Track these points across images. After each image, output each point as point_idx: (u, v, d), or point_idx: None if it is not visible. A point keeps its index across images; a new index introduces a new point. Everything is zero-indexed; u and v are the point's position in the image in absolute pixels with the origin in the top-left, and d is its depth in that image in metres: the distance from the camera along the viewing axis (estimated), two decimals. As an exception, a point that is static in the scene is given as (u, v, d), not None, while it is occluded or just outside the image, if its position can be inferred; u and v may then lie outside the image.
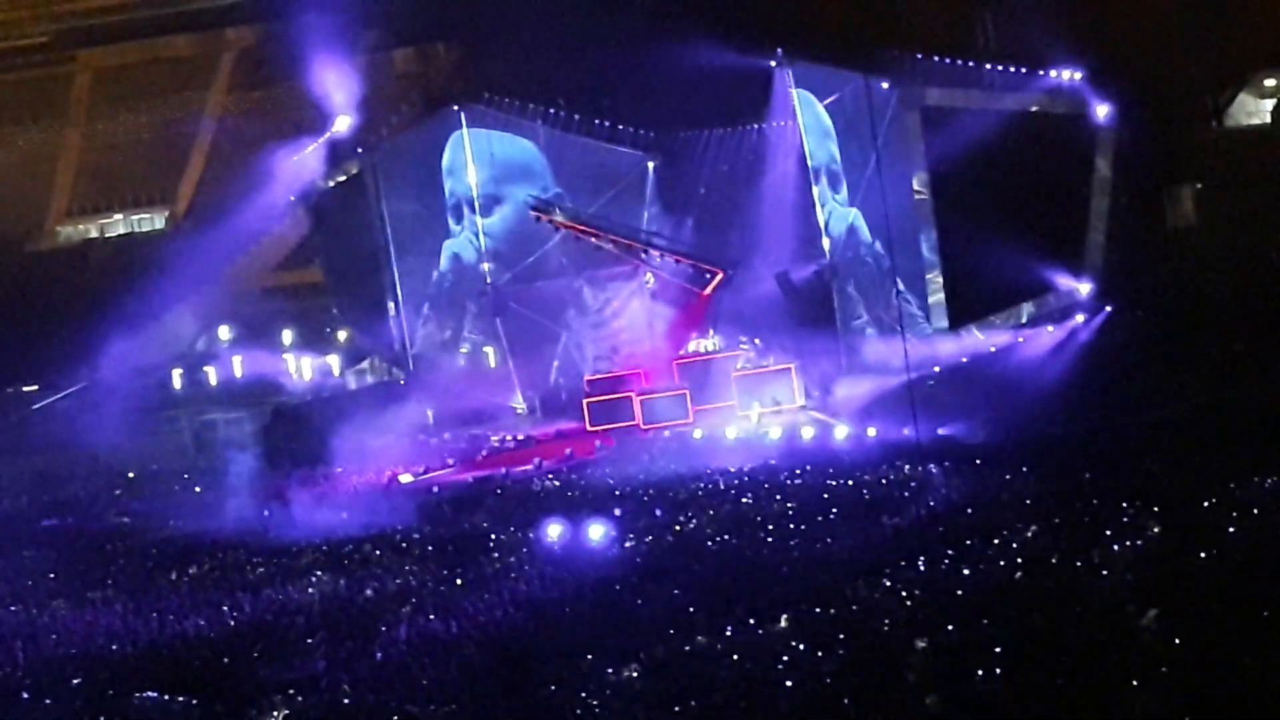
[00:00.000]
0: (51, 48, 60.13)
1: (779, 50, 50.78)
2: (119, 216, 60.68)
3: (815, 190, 51.21)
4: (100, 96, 60.55)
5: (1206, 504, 28.24)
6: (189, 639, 27.89)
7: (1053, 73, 47.83)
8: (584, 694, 21.70)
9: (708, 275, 51.13)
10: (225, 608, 29.80)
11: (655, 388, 50.51)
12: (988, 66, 48.03)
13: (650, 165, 53.29)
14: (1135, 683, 19.60)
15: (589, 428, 49.48)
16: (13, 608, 31.41)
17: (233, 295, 56.03)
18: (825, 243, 51.33)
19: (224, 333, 56.58)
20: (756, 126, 52.73)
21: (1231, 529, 26.36)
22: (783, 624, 23.84)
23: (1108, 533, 27.07)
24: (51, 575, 34.94)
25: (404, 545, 34.15)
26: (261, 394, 54.44)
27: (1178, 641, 20.71)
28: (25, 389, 54.30)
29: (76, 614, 30.56)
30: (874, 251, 50.40)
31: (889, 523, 30.73)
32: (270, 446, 48.99)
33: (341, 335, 56.85)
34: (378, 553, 33.50)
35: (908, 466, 36.44)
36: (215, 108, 60.04)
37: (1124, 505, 28.74)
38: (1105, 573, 24.76)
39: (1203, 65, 48.20)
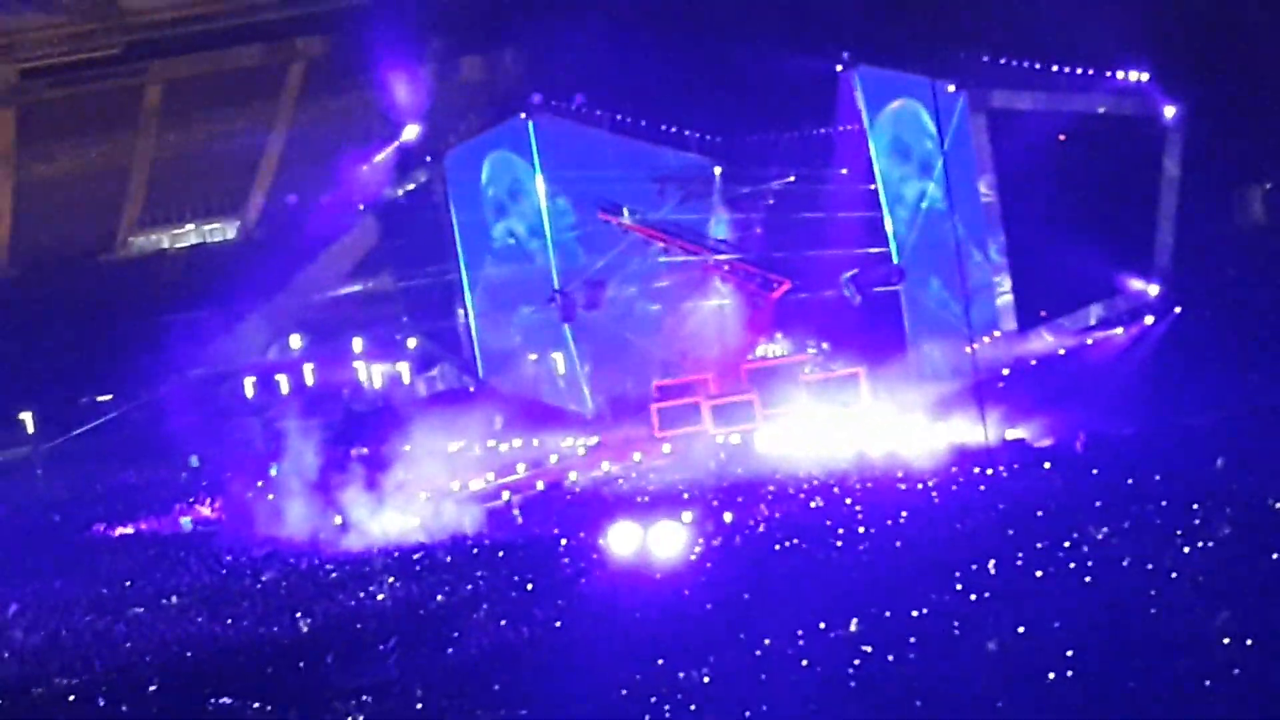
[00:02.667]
0: (123, 60, 60.38)
1: (845, 54, 50.71)
2: (190, 226, 60.98)
3: (882, 192, 51.10)
4: (171, 107, 60.76)
5: (1277, 504, 28.13)
6: (263, 645, 28.17)
7: (1119, 73, 47.58)
8: (653, 698, 21.81)
9: (774, 283, 51.09)
10: (298, 614, 30.08)
11: (723, 392, 50.50)
12: (1054, 68, 47.83)
13: (717, 170, 53.24)
14: (1207, 684, 19.59)
15: (657, 433, 49.52)
16: (89, 616, 31.76)
17: (304, 304, 56.39)
18: (893, 246, 51.20)
19: (295, 341, 56.92)
20: (824, 130, 52.62)
21: (1303, 529, 26.31)
22: (852, 627, 23.90)
23: (1178, 534, 27.01)
24: (127, 583, 35.33)
25: (475, 551, 34.35)
26: (333, 401, 54.81)
27: (1250, 643, 20.67)
28: (99, 398, 54.77)
29: (152, 621, 30.89)
30: (942, 254, 50.22)
31: (959, 525, 30.73)
32: (342, 453, 49.26)
33: (411, 343, 57.11)
34: (449, 559, 33.71)
35: (977, 469, 36.41)
36: (285, 118, 60.25)
37: (1194, 506, 28.66)
38: (1175, 575, 24.71)
39: (1272, 62, 47.83)
